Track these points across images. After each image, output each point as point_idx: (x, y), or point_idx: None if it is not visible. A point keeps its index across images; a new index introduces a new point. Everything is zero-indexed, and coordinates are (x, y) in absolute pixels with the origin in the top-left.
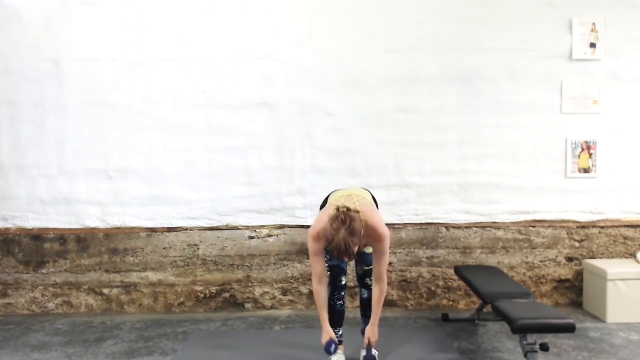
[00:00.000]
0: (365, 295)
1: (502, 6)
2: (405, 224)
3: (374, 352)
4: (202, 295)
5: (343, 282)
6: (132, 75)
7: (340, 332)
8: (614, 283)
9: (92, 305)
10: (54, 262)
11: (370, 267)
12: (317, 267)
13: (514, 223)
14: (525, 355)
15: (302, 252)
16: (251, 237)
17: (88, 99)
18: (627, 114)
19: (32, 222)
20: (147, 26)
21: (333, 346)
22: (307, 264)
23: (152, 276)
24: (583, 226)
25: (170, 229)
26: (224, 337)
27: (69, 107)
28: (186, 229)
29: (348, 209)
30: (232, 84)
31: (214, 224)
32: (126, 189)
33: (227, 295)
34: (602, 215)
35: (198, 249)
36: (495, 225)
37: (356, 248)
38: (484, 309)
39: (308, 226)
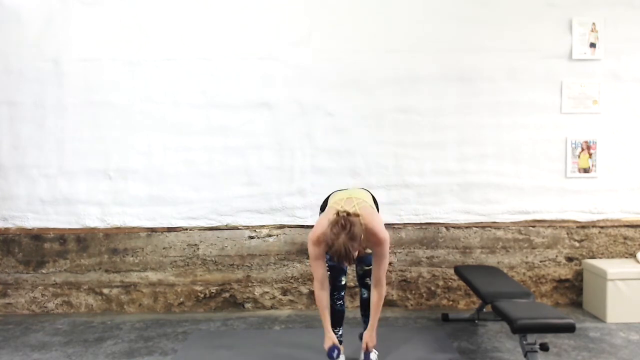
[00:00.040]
0: (365, 295)
1: (502, 6)
2: (405, 224)
3: (374, 354)
4: (202, 295)
5: (343, 282)
6: (132, 75)
7: (340, 332)
8: (614, 283)
9: (92, 305)
10: (54, 262)
11: (371, 267)
12: (319, 271)
13: (514, 223)
14: (525, 355)
15: (302, 252)
16: (251, 237)
17: (88, 99)
18: (627, 114)
19: (32, 222)
20: (147, 26)
21: (336, 352)
22: (307, 264)
23: (152, 276)
24: (583, 226)
25: (170, 229)
26: (224, 337)
27: (69, 107)
28: (186, 229)
29: (348, 214)
30: (232, 84)
31: (214, 224)
32: (126, 189)
33: (227, 295)
34: (602, 215)
35: (198, 249)
36: (495, 225)
37: (356, 253)
38: (484, 309)
39: (308, 226)
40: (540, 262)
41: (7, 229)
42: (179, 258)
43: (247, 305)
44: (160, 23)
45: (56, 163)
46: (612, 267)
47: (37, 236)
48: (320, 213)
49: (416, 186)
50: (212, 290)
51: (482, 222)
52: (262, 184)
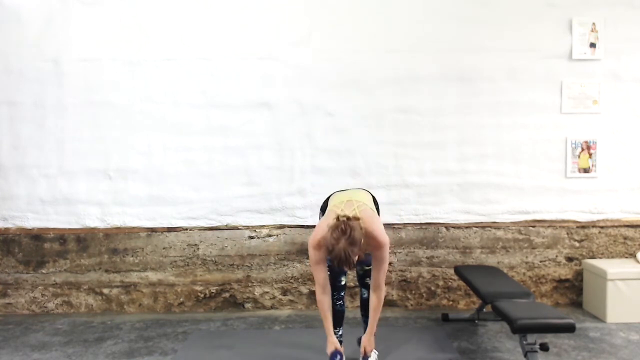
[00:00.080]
0: (365, 295)
1: (502, 6)
2: (405, 224)
3: (373, 354)
4: (202, 295)
5: (343, 283)
6: (132, 75)
7: (340, 332)
8: (614, 283)
9: (92, 305)
10: (54, 262)
11: (371, 267)
12: (320, 275)
13: (514, 223)
14: (525, 355)
15: (302, 252)
16: (251, 237)
17: (88, 99)
18: (627, 114)
19: (32, 222)
20: (147, 26)
21: (338, 357)
22: (307, 264)
23: (152, 276)
24: (583, 226)
25: (170, 229)
26: (224, 337)
27: (69, 107)
28: (186, 229)
29: (348, 218)
30: (232, 84)
31: (214, 224)
32: (126, 189)
33: (227, 295)
34: (602, 215)
35: (198, 249)
36: (495, 225)
37: (356, 258)
38: (484, 309)
39: (308, 226)
40: (540, 262)
41: (7, 229)
42: (179, 258)
43: (247, 305)
44: (160, 23)
45: (56, 163)
46: (612, 267)
47: (37, 236)
48: (320, 214)
49: (416, 186)
50: (212, 290)
51: (482, 222)
52: (262, 184)
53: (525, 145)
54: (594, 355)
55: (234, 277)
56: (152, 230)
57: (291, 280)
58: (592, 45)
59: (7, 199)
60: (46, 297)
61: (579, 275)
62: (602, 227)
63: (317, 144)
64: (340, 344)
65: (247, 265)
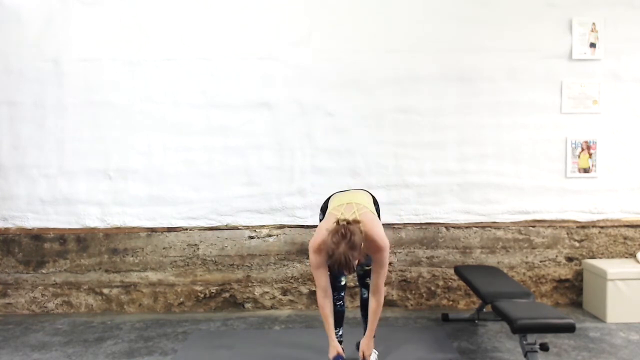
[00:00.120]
0: (365, 295)
1: (502, 6)
2: (405, 224)
3: (373, 354)
4: (202, 295)
5: (343, 283)
6: (132, 75)
7: (340, 333)
8: (614, 283)
9: (92, 305)
10: (54, 262)
11: (371, 267)
12: (321, 279)
13: (514, 223)
14: (525, 355)
15: (302, 252)
16: (251, 237)
17: (88, 99)
18: (627, 114)
19: (32, 222)
20: (147, 26)
21: None
22: (307, 264)
23: (152, 276)
24: (583, 226)
25: (170, 229)
26: (224, 337)
27: (69, 107)
28: (186, 229)
29: (348, 222)
30: (232, 84)
31: (214, 224)
32: (126, 189)
33: (227, 295)
34: (602, 215)
35: (198, 249)
36: (495, 225)
37: (356, 262)
38: (484, 309)
39: (308, 226)
40: (540, 262)
41: (7, 229)
42: (179, 258)
43: (247, 305)
44: (160, 23)
45: (56, 163)
46: (612, 267)
47: (37, 236)
48: (320, 214)
49: (416, 186)
50: (212, 290)
51: (482, 222)
52: (262, 184)
53: (525, 145)
54: (594, 355)
55: (234, 277)
56: (152, 230)
57: (291, 280)
58: (592, 45)
59: (7, 199)
60: (46, 297)
61: (579, 275)
62: (602, 227)
63: (317, 144)
64: (340, 344)
65: (247, 265)
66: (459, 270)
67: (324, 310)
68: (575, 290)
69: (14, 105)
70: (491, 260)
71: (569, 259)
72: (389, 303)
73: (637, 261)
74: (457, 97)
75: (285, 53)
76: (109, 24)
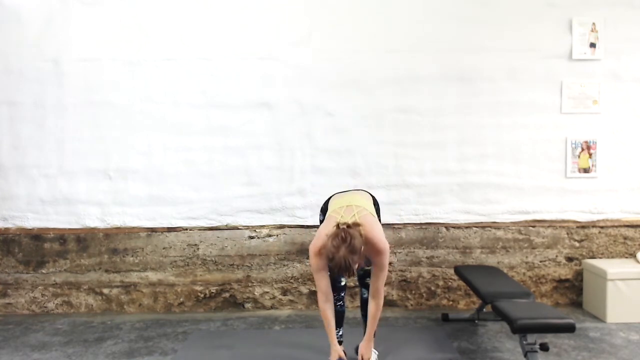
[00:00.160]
0: (365, 295)
1: (502, 6)
2: (405, 224)
3: (373, 354)
4: (202, 295)
5: (343, 283)
6: (132, 75)
7: (340, 333)
8: (614, 283)
9: (92, 305)
10: (54, 262)
11: (371, 267)
12: (322, 282)
13: (514, 223)
14: (525, 355)
15: (302, 252)
16: (251, 237)
17: (88, 99)
18: (627, 114)
19: (32, 222)
20: (147, 26)
21: None
22: (307, 264)
23: (152, 276)
24: (583, 226)
25: (170, 229)
26: (224, 337)
27: (69, 107)
28: (186, 229)
29: (348, 226)
30: (232, 84)
31: (214, 224)
32: (126, 189)
33: (227, 295)
34: (602, 215)
35: (198, 249)
36: (495, 225)
37: (356, 266)
38: (484, 309)
39: (308, 226)
40: (540, 262)
41: (7, 229)
42: (179, 258)
43: (247, 305)
44: (160, 23)
45: (56, 163)
46: (612, 267)
47: (37, 236)
48: (320, 215)
49: (416, 186)
50: (212, 290)
51: (482, 222)
52: (262, 184)
53: (525, 145)
54: (594, 355)
55: (234, 277)
56: (152, 230)
57: (291, 280)
58: (592, 45)
59: (7, 199)
60: (46, 297)
61: (579, 275)
62: (602, 227)
63: (317, 144)
64: (340, 344)
65: (247, 265)
66: (459, 270)
67: (325, 315)
68: (575, 290)
69: (14, 105)
70: (491, 260)
71: (569, 259)
72: (389, 303)
73: (637, 261)
74: (457, 97)
75: (285, 53)
76: (109, 24)
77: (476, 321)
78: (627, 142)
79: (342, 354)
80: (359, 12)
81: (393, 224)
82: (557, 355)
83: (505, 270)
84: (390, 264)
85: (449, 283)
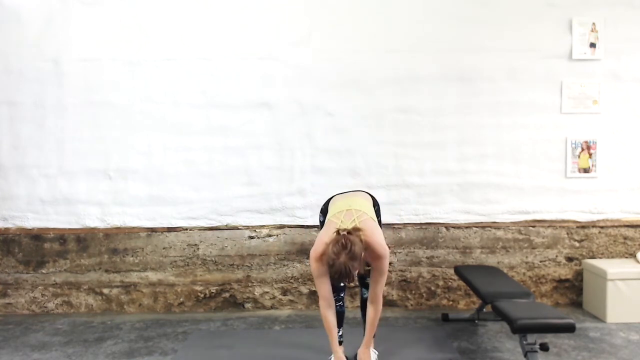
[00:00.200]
0: (365, 295)
1: (502, 6)
2: (405, 224)
3: (373, 354)
4: (202, 295)
5: (342, 284)
6: (132, 75)
7: (340, 333)
8: (614, 283)
9: (92, 305)
10: (54, 262)
11: (371, 267)
12: (324, 288)
13: (514, 223)
14: (525, 355)
15: (302, 252)
16: (251, 237)
17: (88, 99)
18: (627, 114)
19: (32, 222)
20: (147, 26)
21: None
22: (307, 264)
23: (152, 276)
24: (583, 226)
25: (170, 229)
26: (224, 337)
27: (69, 107)
28: (186, 229)
29: (349, 232)
30: (232, 84)
31: (214, 224)
32: (126, 189)
33: (227, 295)
34: (602, 215)
35: (198, 249)
36: (495, 225)
37: (356, 272)
38: (484, 309)
39: (308, 226)
40: (540, 262)
41: (7, 229)
42: (179, 258)
43: (247, 305)
44: (160, 23)
45: (56, 163)
46: (612, 267)
47: (37, 236)
48: (320, 216)
49: (416, 186)
50: (212, 290)
51: (482, 222)
52: (262, 184)
53: (525, 145)
54: (594, 355)
55: (234, 277)
56: (152, 230)
57: (291, 280)
58: (592, 45)
59: (7, 199)
60: (46, 297)
61: (579, 275)
62: (602, 227)
63: (317, 144)
64: (340, 344)
65: (247, 265)
66: (459, 270)
67: (327, 322)
68: (575, 290)
69: (14, 105)
70: (491, 260)
71: (569, 259)
72: (389, 303)
73: (637, 261)
74: (457, 97)
75: (285, 53)
76: (109, 24)
77: (476, 321)
78: (627, 142)
79: (344, 359)
80: (359, 12)
81: (393, 224)
82: (557, 355)
83: (505, 270)
84: (390, 264)
85: (449, 283)
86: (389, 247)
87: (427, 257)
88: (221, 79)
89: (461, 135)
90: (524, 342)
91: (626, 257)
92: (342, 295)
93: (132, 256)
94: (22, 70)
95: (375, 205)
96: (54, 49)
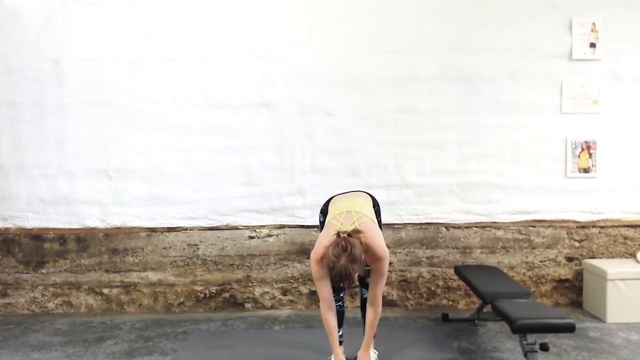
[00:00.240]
0: (365, 295)
1: (502, 6)
2: (405, 224)
3: (373, 354)
4: (202, 295)
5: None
6: (132, 75)
7: (340, 333)
8: (614, 283)
9: (92, 305)
10: (54, 262)
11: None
12: (324, 290)
13: (514, 223)
14: (525, 355)
15: (302, 252)
16: (251, 237)
17: (88, 99)
18: (627, 114)
19: (32, 222)
20: (147, 26)
21: None
22: (307, 263)
23: (152, 276)
24: (583, 226)
25: (170, 229)
26: (224, 337)
27: (69, 107)
28: (186, 229)
29: (349, 235)
30: (232, 84)
31: (214, 224)
32: (126, 189)
33: (227, 295)
34: (602, 215)
35: (198, 249)
36: (495, 225)
37: (357, 275)
38: (484, 309)
39: (308, 226)
40: (540, 262)
41: (7, 229)
42: (179, 258)
43: (247, 305)
44: (160, 23)
45: (56, 163)
46: (612, 267)
47: (37, 236)
48: (320, 217)
49: (416, 186)
50: (212, 290)
51: (482, 222)
52: (262, 184)
53: (525, 145)
54: (594, 355)
55: (234, 277)
56: (152, 230)
57: (291, 280)
58: (592, 45)
59: (7, 199)
60: (46, 297)
61: (579, 275)
62: (602, 227)
63: (317, 144)
64: (340, 344)
65: (247, 265)
66: (459, 270)
67: (328, 324)
68: (575, 290)
69: (14, 105)
70: (491, 260)
71: (569, 259)
72: (389, 303)
73: (637, 261)
74: (457, 97)
75: (285, 53)
76: (109, 24)
77: (476, 321)
78: (627, 142)
79: None
80: (359, 12)
81: (393, 224)
82: (557, 355)
83: (505, 270)
84: (390, 264)
85: (449, 283)
86: (389, 247)
87: (427, 257)
88: (221, 79)
89: (461, 135)
90: (524, 342)
91: (626, 257)
92: (342, 295)
93: (132, 256)
94: (22, 70)
95: (375, 205)
96: (54, 49)
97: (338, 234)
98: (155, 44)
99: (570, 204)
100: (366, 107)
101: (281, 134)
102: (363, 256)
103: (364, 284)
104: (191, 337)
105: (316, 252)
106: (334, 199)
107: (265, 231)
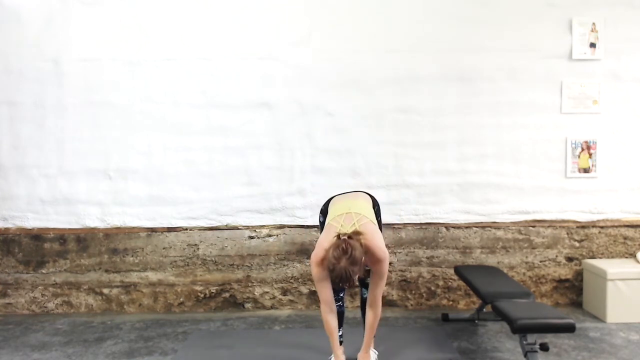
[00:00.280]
0: (365, 295)
1: (502, 6)
2: (405, 224)
3: (373, 354)
4: (202, 295)
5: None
6: (132, 75)
7: (340, 333)
8: (614, 283)
9: (92, 305)
10: (54, 262)
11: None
12: (325, 292)
13: (514, 223)
14: (525, 355)
15: (302, 252)
16: (251, 237)
17: (88, 99)
18: (627, 114)
19: (32, 222)
20: (147, 26)
21: None
22: (307, 264)
23: (152, 276)
24: (583, 226)
25: (170, 229)
26: (224, 337)
27: (69, 107)
28: (186, 229)
29: (349, 237)
30: (232, 84)
31: (214, 224)
32: (126, 189)
33: (227, 295)
34: (602, 215)
35: (198, 249)
36: (495, 225)
37: (357, 277)
38: (484, 309)
39: (308, 226)
40: (540, 262)
41: (7, 229)
42: (179, 258)
43: (247, 305)
44: (160, 23)
45: (56, 163)
46: (612, 267)
47: (37, 236)
48: (320, 217)
49: (416, 186)
50: (212, 290)
51: (482, 222)
52: (262, 184)
53: (525, 145)
54: (594, 355)
55: (234, 277)
56: (152, 230)
57: (291, 280)
58: (592, 45)
59: (7, 199)
60: (46, 297)
61: (579, 275)
62: (602, 227)
63: (317, 144)
64: (341, 344)
65: (247, 265)
66: (459, 270)
67: (328, 326)
68: (575, 290)
69: (14, 105)
70: (491, 260)
71: (569, 259)
72: (389, 303)
73: (637, 261)
74: (457, 97)
75: (285, 53)
76: (109, 24)
77: (476, 321)
78: (627, 142)
79: None
80: (359, 12)
81: (393, 224)
82: (557, 355)
83: (505, 270)
84: (390, 264)
85: (449, 283)
86: (389, 248)
87: (427, 257)
88: (221, 79)
89: (461, 135)
90: (524, 342)
91: (626, 257)
92: (341, 295)
93: (132, 256)
94: (22, 70)
95: (375, 205)
96: (54, 49)
97: (338, 236)
98: (155, 44)
99: (570, 204)
100: (366, 107)
101: (281, 134)
102: (363, 258)
103: (364, 284)
104: (191, 337)
105: (316, 255)
106: (334, 199)
107: (265, 231)
